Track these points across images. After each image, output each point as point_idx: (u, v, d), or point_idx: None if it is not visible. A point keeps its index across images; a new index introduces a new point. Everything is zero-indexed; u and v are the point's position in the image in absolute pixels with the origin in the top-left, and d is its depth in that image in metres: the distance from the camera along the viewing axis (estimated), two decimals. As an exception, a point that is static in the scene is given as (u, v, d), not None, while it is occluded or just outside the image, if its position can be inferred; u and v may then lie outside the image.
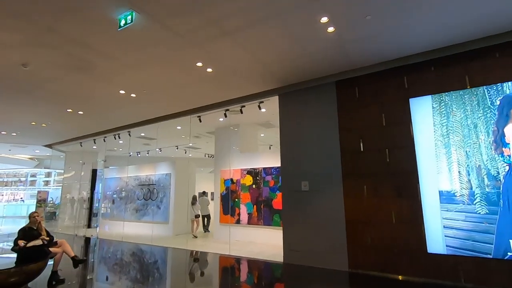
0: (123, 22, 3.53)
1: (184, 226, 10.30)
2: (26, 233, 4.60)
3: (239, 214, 8.53)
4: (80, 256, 6.06)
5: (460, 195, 4.27)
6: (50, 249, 4.65)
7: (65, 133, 10.29)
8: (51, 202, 16.35)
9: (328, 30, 3.93)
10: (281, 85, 6.16)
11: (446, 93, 4.57)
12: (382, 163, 4.95)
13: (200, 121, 7.93)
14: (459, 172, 4.32)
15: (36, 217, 4.81)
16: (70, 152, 13.48)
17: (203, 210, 10.29)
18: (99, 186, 12.52)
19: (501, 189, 4.01)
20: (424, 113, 4.71)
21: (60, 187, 22.04)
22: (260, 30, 3.90)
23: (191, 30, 3.87)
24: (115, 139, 10.18)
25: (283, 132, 6.19)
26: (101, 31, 3.87)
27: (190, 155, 15.24)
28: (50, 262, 4.67)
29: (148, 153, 14.01)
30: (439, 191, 4.42)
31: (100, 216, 12.28)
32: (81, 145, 11.50)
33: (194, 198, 10.02)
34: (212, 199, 10.87)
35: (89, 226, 12.23)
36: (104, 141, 10.63)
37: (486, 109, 4.24)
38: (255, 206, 8.27)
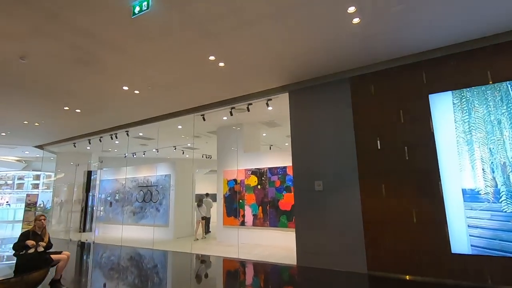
0: (137, 9, 3.26)
1: (185, 229, 9.97)
2: (29, 238, 4.24)
3: (243, 216, 8.28)
4: (79, 261, 5.68)
5: (484, 193, 4.15)
6: (52, 256, 4.30)
7: (58, 133, 9.82)
8: (41, 205, 15.65)
9: (353, 22, 3.75)
10: (291, 82, 5.96)
11: (467, 89, 4.46)
12: (401, 161, 4.81)
13: (204, 119, 7.65)
14: (483, 169, 4.20)
15: (43, 221, 4.47)
16: (62, 153, 12.95)
17: (207, 212, 10.00)
18: (95, 188, 12.03)
19: (528, 186, 3.92)
20: (444, 109, 4.59)
21: (50, 190, 21.29)
22: (284, 20, 3.69)
23: (210, 19, 3.63)
24: (112, 139, 9.78)
25: (294, 130, 5.99)
26: (111, 19, 3.59)
27: (187, 156, 14.88)
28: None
29: (144, 154, 13.59)
30: (462, 189, 4.29)
31: (95, 220, 11.78)
32: (74, 146, 11.02)
33: (200, 200, 9.74)
34: (214, 201, 10.62)
35: (83, 230, 11.72)
36: (100, 141, 10.19)
37: (510, 104, 4.14)
38: (260, 207, 8.04)
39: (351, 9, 3.50)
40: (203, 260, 6.65)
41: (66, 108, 6.95)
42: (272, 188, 7.94)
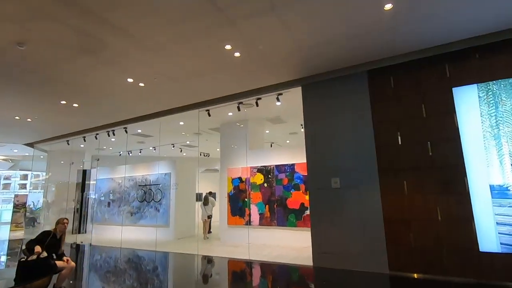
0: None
1: (186, 229, 9.64)
2: (47, 239, 3.88)
3: (249, 215, 8.01)
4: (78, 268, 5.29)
5: (514, 189, 4.01)
6: (57, 263, 3.93)
7: (51, 130, 9.31)
8: (30, 206, 14.96)
9: (385, 8, 3.52)
10: (305, 75, 5.72)
11: (494, 82, 4.32)
12: (424, 157, 4.63)
13: (209, 115, 7.34)
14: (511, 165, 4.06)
15: (66, 225, 4.16)
16: (53, 151, 12.37)
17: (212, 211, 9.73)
18: (89, 188, 11.52)
19: (561, 182, 3.79)
20: (469, 103, 4.43)
21: (38, 191, 20.46)
22: (312, 4, 3.43)
23: (231, 3, 3.34)
24: (109, 136, 9.33)
25: (308, 125, 5.75)
26: (124, 1, 3.25)
27: (184, 154, 14.49)
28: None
29: (140, 152, 13.14)
30: (490, 186, 4.14)
31: (90, 221, 11.29)
32: (68, 143, 10.50)
33: (206, 198, 9.46)
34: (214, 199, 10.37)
35: (78, 231, 11.21)
36: (96, 138, 9.73)
37: (540, 97, 4.01)
38: (267, 206, 7.79)
39: (386, -7, 3.28)
40: (214, 262, 6.35)
41: (63, 102, 6.51)
42: (279, 186, 7.70)
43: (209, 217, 9.50)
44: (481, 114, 4.34)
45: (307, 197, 7.21)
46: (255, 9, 3.48)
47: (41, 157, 13.53)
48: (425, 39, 4.42)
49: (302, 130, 9.82)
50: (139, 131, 9.60)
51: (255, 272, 5.50)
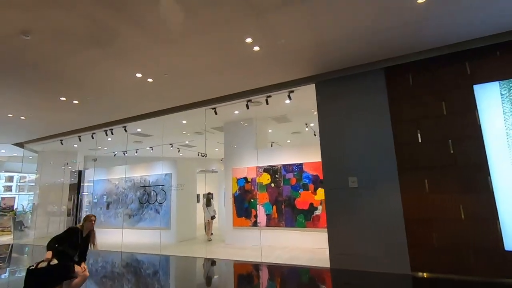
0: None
1: (188, 232, 9.36)
2: (72, 238, 3.60)
3: (256, 216, 7.81)
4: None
5: (539, 187, 3.98)
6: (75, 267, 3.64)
7: (45, 129, 8.84)
8: (17, 209, 14.26)
9: (418, 0, 3.42)
10: (319, 72, 5.58)
11: (516, 79, 4.29)
12: (445, 155, 4.56)
13: (216, 113, 7.11)
14: (536, 162, 4.03)
15: (93, 222, 3.89)
16: (44, 152, 11.82)
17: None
18: (86, 189, 11.05)
19: None
20: (491, 100, 4.39)
21: (25, 193, 19.60)
22: (345, -5, 3.29)
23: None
24: (107, 135, 8.95)
25: (323, 124, 5.61)
26: (147, -14, 3.02)
27: (181, 154, 14.15)
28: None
29: (136, 152, 12.72)
30: (514, 184, 4.10)
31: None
32: (61, 143, 10.02)
33: (208, 199, 9.23)
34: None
35: None
36: (93, 137, 9.32)
37: None
38: (274, 206, 7.61)
39: (423, -16, 3.16)
40: (227, 265, 6.11)
41: (63, 98, 6.15)
42: (287, 186, 7.54)
43: (212, 218, 9.29)
44: (503, 111, 4.30)
45: (316, 197, 7.12)
46: (284, -1, 3.31)
47: (30, 157, 12.93)
48: (448, 36, 4.35)
49: (307, 129, 9.80)
50: (139, 130, 9.25)
51: (273, 276, 5.30)
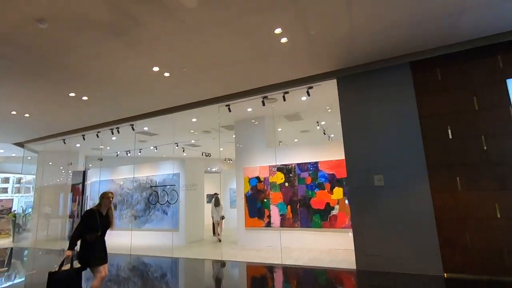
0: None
1: (198, 233, 9.10)
2: (95, 220, 3.40)
3: (269, 216, 7.60)
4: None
5: None
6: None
7: (48, 127, 8.52)
8: (14, 211, 13.83)
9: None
10: (342, 67, 5.40)
11: (552, 73, 4.15)
12: (478, 152, 4.41)
13: (230, 110, 6.88)
14: None
15: (112, 199, 3.64)
16: (44, 152, 11.45)
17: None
18: (92, 190, 10.72)
19: None
20: (526, 95, 4.24)
21: (21, 194, 19.09)
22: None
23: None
24: (112, 133, 8.66)
25: (345, 120, 5.43)
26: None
27: (185, 154, 13.88)
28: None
29: (140, 152, 12.41)
30: (553, 181, 3.96)
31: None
32: (64, 142, 9.70)
33: (217, 199, 9.00)
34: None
35: None
36: (98, 136, 9.02)
37: None
38: (289, 206, 7.40)
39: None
40: (251, 269, 5.88)
41: (72, 94, 5.87)
42: (302, 185, 7.33)
43: (222, 218, 9.06)
44: (540, 106, 4.15)
45: (333, 197, 6.93)
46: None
47: (29, 158, 12.54)
48: (482, 28, 4.19)
49: (318, 127, 9.62)
50: (146, 128, 8.98)
51: (300, 278, 5.08)
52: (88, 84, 5.42)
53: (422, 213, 4.58)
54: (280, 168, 7.68)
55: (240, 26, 3.82)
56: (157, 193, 8.84)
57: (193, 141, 11.40)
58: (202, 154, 14.15)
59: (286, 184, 7.54)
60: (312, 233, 7.01)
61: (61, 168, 11.66)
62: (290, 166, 7.56)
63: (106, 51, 4.28)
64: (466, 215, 4.35)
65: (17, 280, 5.64)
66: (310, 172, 7.29)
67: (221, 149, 13.78)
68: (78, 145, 10.69)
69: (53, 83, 5.35)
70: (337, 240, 6.69)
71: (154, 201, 8.66)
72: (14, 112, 6.85)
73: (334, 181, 6.96)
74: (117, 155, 12.85)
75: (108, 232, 3.66)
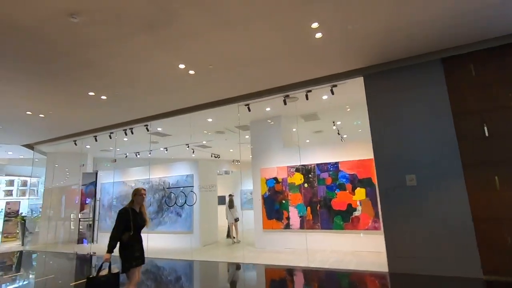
0: None
1: (212, 235, 8.94)
2: (129, 219, 3.29)
3: (288, 218, 7.44)
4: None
5: None
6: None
7: (61, 128, 8.37)
8: (22, 214, 13.61)
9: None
10: (369, 64, 5.28)
11: None
12: (517, 150, 4.27)
13: (249, 110, 6.75)
14: None
15: (144, 195, 3.53)
16: (54, 153, 11.31)
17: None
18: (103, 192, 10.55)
19: None
20: None
21: (27, 197, 18.84)
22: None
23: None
24: (126, 134, 8.52)
25: (374, 119, 5.29)
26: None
27: (193, 155, 13.73)
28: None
29: (150, 153, 12.25)
30: None
31: (97, 229, 10.30)
32: (75, 144, 9.56)
33: (231, 201, 8.86)
34: (223, 203, 9.80)
35: (92, 241, 10.17)
36: (110, 137, 8.89)
37: None
38: (309, 207, 7.25)
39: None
40: (281, 272, 5.72)
41: (92, 93, 5.74)
42: (322, 186, 7.19)
43: (236, 220, 8.91)
44: None
45: (354, 198, 6.78)
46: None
47: (37, 160, 12.39)
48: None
49: (334, 127, 9.50)
50: (159, 129, 8.84)
51: (334, 282, 4.92)
52: (109, 82, 5.29)
53: (458, 213, 4.44)
54: (299, 169, 7.54)
55: (277, 20, 3.69)
56: (173, 195, 8.66)
57: (204, 142, 11.27)
58: (212, 156, 14.01)
59: (306, 185, 7.39)
60: (333, 234, 6.85)
61: (71, 170, 11.49)
62: (309, 167, 7.42)
63: (134, 48, 4.15)
64: (506, 215, 4.21)
65: (34, 285, 5.48)
66: (330, 172, 7.15)
67: (231, 150, 13.67)
68: (88, 146, 10.56)
69: (74, 82, 5.22)
70: (361, 242, 6.54)
71: (170, 203, 8.48)
72: (29, 112, 6.71)
73: (355, 182, 6.82)
74: (126, 156, 12.71)
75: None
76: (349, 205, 6.81)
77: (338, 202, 6.94)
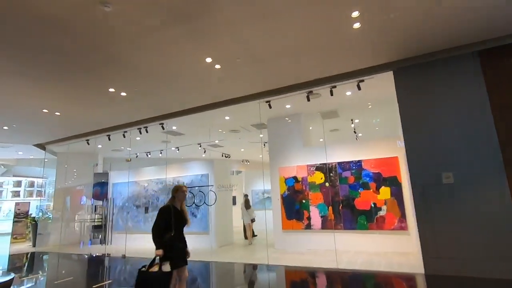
0: None
1: (229, 236, 8.75)
2: (172, 216, 3.16)
3: (308, 218, 7.25)
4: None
5: None
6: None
7: (75, 127, 8.23)
8: (31, 215, 13.47)
9: None
10: (400, 58, 5.09)
11: None
12: None
13: (270, 106, 6.57)
14: None
15: (186, 192, 3.40)
16: (64, 153, 11.17)
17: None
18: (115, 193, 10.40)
19: None
20: None
21: (34, 198, 18.76)
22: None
23: None
24: (140, 133, 8.36)
25: (405, 115, 5.10)
26: None
27: (203, 155, 13.56)
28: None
29: (161, 153, 12.12)
30: None
31: (110, 230, 10.13)
32: (88, 143, 9.40)
33: (247, 201, 8.68)
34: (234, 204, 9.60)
35: (103, 241, 10.01)
36: (124, 136, 8.73)
37: None
38: (330, 207, 7.05)
39: None
40: (312, 274, 5.52)
41: (112, 90, 5.57)
42: (344, 185, 6.99)
43: (253, 220, 8.73)
44: None
45: (379, 197, 6.58)
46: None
47: (46, 160, 12.26)
48: None
49: (353, 125, 9.30)
50: (174, 128, 8.68)
51: (373, 285, 4.72)
52: (132, 77, 5.12)
53: (500, 212, 4.24)
54: (320, 167, 7.34)
55: (316, 9, 3.51)
56: (192, 194, 8.49)
57: (217, 141, 11.10)
58: (222, 155, 13.84)
59: (327, 184, 7.20)
60: (358, 235, 6.65)
61: (82, 170, 11.36)
62: (330, 165, 7.22)
63: (162, 41, 3.98)
64: (553, 214, 4.01)
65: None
66: (353, 171, 6.95)
67: (241, 149, 13.50)
68: (100, 146, 10.41)
69: (95, 78, 5.06)
70: (387, 242, 6.34)
71: (189, 203, 8.30)
72: (45, 110, 6.56)
73: (380, 180, 6.62)
74: (137, 156, 12.56)
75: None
76: (374, 204, 6.61)
77: (362, 201, 6.74)
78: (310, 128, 9.52)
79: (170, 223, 3.14)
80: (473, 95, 4.63)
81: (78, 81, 5.19)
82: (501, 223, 4.21)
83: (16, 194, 18.85)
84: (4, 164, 17.69)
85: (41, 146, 10.28)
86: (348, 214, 6.83)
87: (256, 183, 13.04)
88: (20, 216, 12.55)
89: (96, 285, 5.12)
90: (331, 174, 7.18)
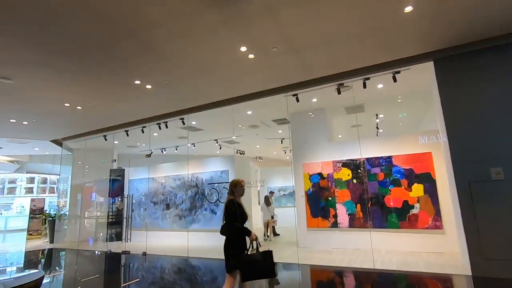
0: None
1: (250, 234, 8.56)
2: (238, 210, 3.12)
3: (335, 216, 7.00)
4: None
5: None
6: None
7: (94, 122, 8.10)
8: (46, 212, 13.47)
9: None
10: (440, 47, 4.80)
11: None
12: None
13: (298, 100, 6.32)
14: None
15: (244, 187, 3.35)
16: (83, 149, 11.08)
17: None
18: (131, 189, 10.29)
19: None
20: None
21: (46, 195, 18.85)
22: None
23: None
24: (160, 128, 8.19)
25: (447, 107, 4.81)
26: None
27: (218, 152, 13.38)
28: None
29: (176, 150, 11.97)
30: None
31: (126, 227, 10.02)
32: (105, 139, 9.28)
33: (267, 198, 8.50)
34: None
35: (120, 239, 9.91)
36: (143, 132, 8.57)
37: None
38: (358, 205, 6.80)
39: None
40: (353, 275, 5.30)
41: (138, 82, 5.39)
42: (373, 182, 6.72)
43: (272, 217, 8.54)
44: None
45: (411, 194, 6.31)
46: None
47: (61, 156, 12.21)
48: None
49: (377, 120, 9.00)
50: (194, 123, 8.49)
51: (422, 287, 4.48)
52: (162, 68, 4.92)
53: (557, 211, 3.95)
54: (346, 164, 7.08)
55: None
56: (188, 192, 8.31)
57: (234, 137, 10.90)
58: (237, 152, 13.63)
59: (354, 180, 6.94)
60: (389, 234, 6.39)
61: (98, 167, 11.28)
62: (358, 161, 6.96)
63: (197, 28, 3.77)
64: None
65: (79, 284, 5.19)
66: (383, 167, 6.68)
67: (257, 146, 13.28)
68: (116, 142, 10.30)
69: (122, 68, 4.87)
70: (420, 241, 6.07)
71: (185, 201, 8.15)
72: (67, 104, 6.42)
73: (412, 177, 6.34)
74: (152, 152, 12.43)
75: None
76: (405, 202, 6.33)
77: (393, 199, 6.47)
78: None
79: (237, 218, 2.99)
80: (525, 85, 4.33)
81: (103, 72, 5.01)
82: (559, 223, 3.92)
83: (29, 190, 18.96)
84: (18, 160, 17.80)
85: (58, 142, 10.21)
86: (378, 212, 6.57)
87: (271, 180, 12.85)
88: (36, 212, 12.56)
89: (126, 283, 4.97)
90: (360, 171, 6.92)
